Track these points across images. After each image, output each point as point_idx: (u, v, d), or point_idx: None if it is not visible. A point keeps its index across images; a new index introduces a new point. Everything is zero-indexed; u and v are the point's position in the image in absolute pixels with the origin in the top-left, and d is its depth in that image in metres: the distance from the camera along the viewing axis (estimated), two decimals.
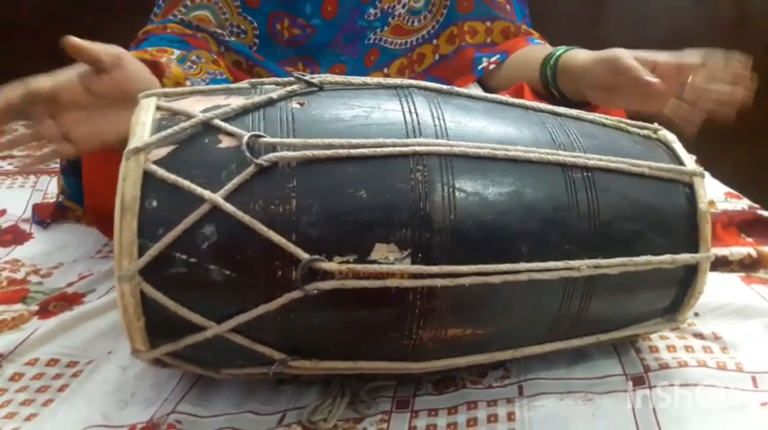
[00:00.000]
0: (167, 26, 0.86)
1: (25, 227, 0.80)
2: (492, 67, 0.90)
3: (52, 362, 0.56)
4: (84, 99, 0.56)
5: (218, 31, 0.86)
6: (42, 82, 0.54)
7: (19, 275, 0.70)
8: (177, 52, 0.73)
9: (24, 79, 0.54)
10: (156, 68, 0.64)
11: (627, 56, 0.68)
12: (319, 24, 0.88)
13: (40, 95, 0.54)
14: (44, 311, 0.64)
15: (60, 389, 0.53)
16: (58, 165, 0.94)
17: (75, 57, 0.55)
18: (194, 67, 0.75)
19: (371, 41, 0.91)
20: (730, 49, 0.65)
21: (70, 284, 0.68)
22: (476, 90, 0.77)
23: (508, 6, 0.94)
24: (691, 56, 0.66)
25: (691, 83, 0.65)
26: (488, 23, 0.92)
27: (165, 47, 0.74)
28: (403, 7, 0.90)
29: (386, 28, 0.91)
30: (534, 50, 0.87)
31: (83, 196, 0.74)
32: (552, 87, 0.79)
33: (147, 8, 0.91)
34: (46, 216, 0.81)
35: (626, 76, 0.67)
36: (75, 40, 0.54)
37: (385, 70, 0.92)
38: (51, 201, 0.85)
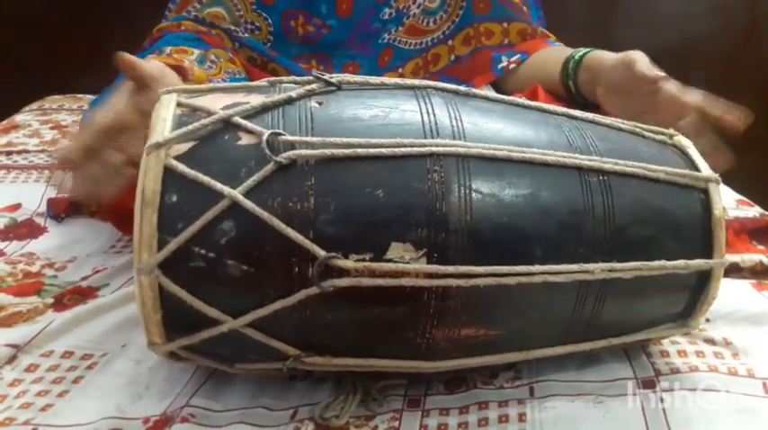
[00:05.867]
0: (182, 24, 0.87)
1: (40, 221, 0.81)
2: (512, 66, 0.90)
3: (67, 354, 0.57)
4: (137, 120, 0.57)
5: (232, 27, 0.87)
6: (105, 115, 0.56)
7: (34, 268, 0.71)
8: (196, 52, 0.74)
9: (90, 120, 0.55)
10: (180, 72, 0.65)
11: (643, 58, 0.68)
12: (334, 23, 0.89)
13: (109, 129, 0.55)
14: (59, 304, 0.64)
15: (75, 381, 0.54)
16: None
17: (125, 72, 0.57)
18: (214, 66, 0.76)
19: (385, 41, 0.91)
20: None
21: (84, 278, 0.69)
22: (490, 92, 0.78)
23: (524, 8, 0.94)
24: (694, 95, 0.65)
25: (681, 124, 0.64)
26: (505, 24, 0.92)
27: (183, 46, 0.75)
28: (418, 7, 0.91)
29: (400, 28, 0.91)
30: (555, 51, 0.87)
31: None
32: (571, 80, 0.79)
33: (159, 2, 0.92)
34: (60, 210, 0.81)
35: (635, 75, 0.67)
36: (128, 56, 0.57)
37: (399, 71, 0.92)
38: (66, 195, 0.85)
